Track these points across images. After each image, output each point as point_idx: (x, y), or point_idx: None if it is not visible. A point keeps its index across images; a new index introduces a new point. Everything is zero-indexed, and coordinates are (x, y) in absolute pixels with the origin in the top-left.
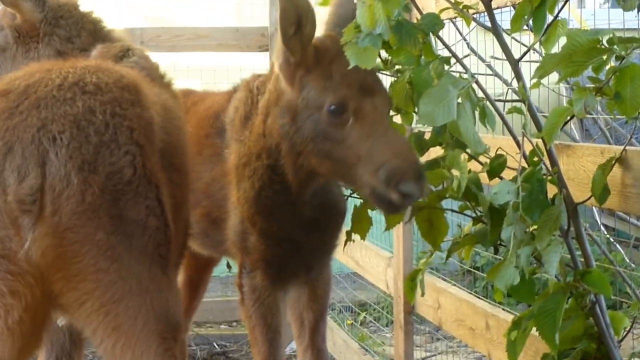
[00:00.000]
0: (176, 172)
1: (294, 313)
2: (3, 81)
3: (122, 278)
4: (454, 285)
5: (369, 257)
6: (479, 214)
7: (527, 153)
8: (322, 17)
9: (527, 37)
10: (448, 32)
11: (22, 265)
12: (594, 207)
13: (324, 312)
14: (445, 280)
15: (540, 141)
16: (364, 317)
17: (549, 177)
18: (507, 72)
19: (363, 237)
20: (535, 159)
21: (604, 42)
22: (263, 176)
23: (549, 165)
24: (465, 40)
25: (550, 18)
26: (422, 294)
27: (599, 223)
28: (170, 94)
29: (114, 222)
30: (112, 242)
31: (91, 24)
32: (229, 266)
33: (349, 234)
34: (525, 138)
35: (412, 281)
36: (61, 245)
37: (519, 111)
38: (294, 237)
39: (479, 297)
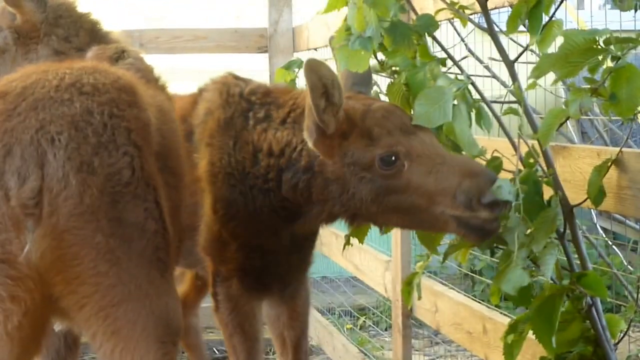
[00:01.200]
0: (172, 175)
1: (275, 331)
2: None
3: (121, 282)
4: (452, 288)
5: (367, 261)
6: None
7: (523, 155)
8: (326, 22)
9: (525, 38)
10: (446, 34)
11: (22, 269)
12: (592, 210)
13: (304, 329)
14: (443, 283)
15: (536, 142)
16: (364, 321)
17: (545, 179)
18: (505, 73)
19: (361, 241)
20: (531, 160)
21: (601, 42)
22: (264, 207)
23: (545, 167)
24: (463, 41)
25: (546, 19)
26: (419, 298)
27: (597, 226)
28: (164, 96)
29: (113, 225)
30: (111, 245)
31: (89, 23)
32: (198, 278)
33: (347, 238)
34: (521, 140)
35: (409, 285)
36: (60, 247)
37: (514, 112)
38: (275, 251)
39: (477, 301)
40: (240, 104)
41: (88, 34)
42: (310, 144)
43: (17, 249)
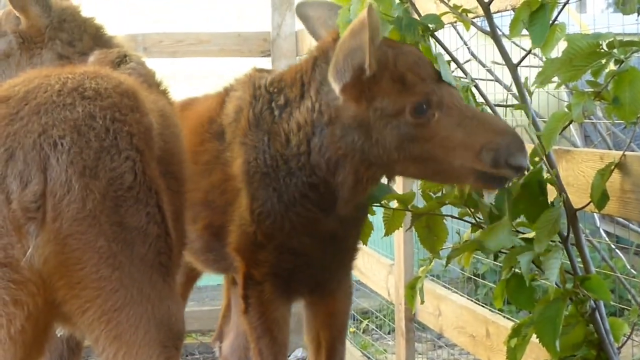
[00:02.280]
0: (174, 180)
1: (310, 333)
2: (2, 88)
3: (123, 286)
4: (455, 292)
5: (370, 265)
6: (478, 220)
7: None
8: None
9: (527, 42)
10: (449, 37)
11: (25, 273)
12: (594, 214)
13: (342, 331)
14: (446, 287)
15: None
16: (367, 324)
17: (549, 178)
18: (508, 76)
19: (365, 242)
20: (537, 159)
21: (604, 46)
22: (295, 193)
23: (548, 167)
24: (466, 44)
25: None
26: (422, 302)
27: (600, 229)
28: (166, 100)
29: (115, 230)
30: (113, 249)
31: (93, 28)
32: (234, 282)
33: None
34: (525, 142)
35: (411, 289)
36: (63, 252)
37: (523, 108)
38: (311, 251)
39: (480, 305)
40: (265, 96)
41: (92, 38)
42: (337, 89)
43: (20, 253)
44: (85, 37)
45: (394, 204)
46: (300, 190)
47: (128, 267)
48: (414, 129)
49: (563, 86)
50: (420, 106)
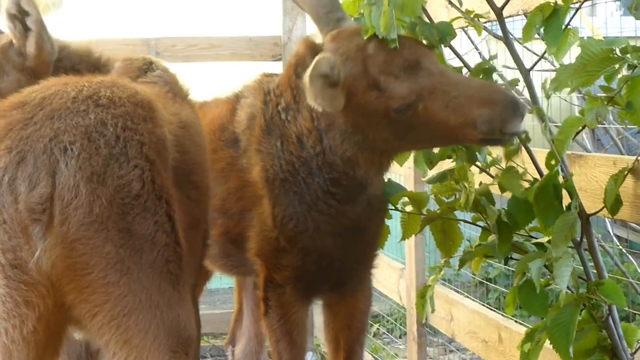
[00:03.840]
0: (195, 189)
1: (329, 335)
2: (20, 94)
3: (132, 291)
4: (468, 297)
5: (381, 269)
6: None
7: (540, 164)
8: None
9: (539, 46)
10: (460, 41)
11: (34, 275)
12: (606, 218)
13: (361, 333)
14: (457, 291)
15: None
16: (377, 328)
17: (564, 182)
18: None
19: (382, 247)
20: (552, 162)
21: (617, 51)
22: (317, 191)
23: (566, 172)
24: (477, 49)
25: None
26: (432, 310)
27: (612, 234)
28: (190, 109)
29: (123, 236)
30: (121, 255)
31: (83, 49)
32: (256, 286)
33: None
34: (535, 148)
35: (422, 298)
36: (70, 256)
37: (539, 111)
38: (334, 251)
39: (492, 309)
40: (273, 101)
41: (87, 59)
42: (320, 110)
43: (28, 255)
44: (83, 60)
45: (409, 207)
46: (322, 187)
47: (137, 273)
48: (404, 122)
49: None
50: (403, 109)
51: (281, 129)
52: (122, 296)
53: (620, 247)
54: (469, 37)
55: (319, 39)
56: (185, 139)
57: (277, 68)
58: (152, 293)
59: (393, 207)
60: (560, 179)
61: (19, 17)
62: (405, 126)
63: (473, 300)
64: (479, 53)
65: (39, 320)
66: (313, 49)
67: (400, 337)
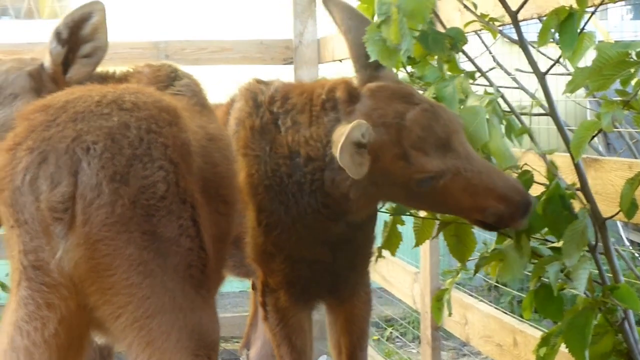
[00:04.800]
0: (223, 203)
1: (332, 339)
2: (45, 98)
3: (155, 294)
4: (482, 301)
5: (395, 273)
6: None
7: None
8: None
9: (552, 50)
10: (471, 45)
11: (55, 276)
12: (618, 222)
13: (361, 337)
14: (472, 295)
15: (560, 155)
16: (390, 332)
17: (569, 192)
18: (529, 85)
19: (393, 253)
20: (553, 174)
21: (633, 55)
22: (307, 208)
23: (568, 180)
24: (491, 53)
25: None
26: (450, 314)
27: (624, 238)
28: (217, 123)
29: (147, 238)
30: (144, 257)
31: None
32: (254, 287)
33: (379, 250)
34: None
35: (438, 301)
36: (93, 257)
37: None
38: (322, 258)
39: (507, 313)
40: (266, 113)
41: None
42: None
43: (49, 255)
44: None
45: (422, 213)
46: (312, 207)
47: (160, 275)
48: (421, 192)
49: (585, 93)
50: (424, 181)
51: (274, 136)
52: (145, 298)
53: (633, 251)
54: (482, 41)
55: (356, 81)
56: (214, 151)
57: (288, 71)
58: (175, 296)
59: (407, 214)
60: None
61: (70, 40)
62: (419, 196)
63: (488, 304)
64: (492, 57)
65: (60, 322)
66: (350, 93)
67: (412, 341)
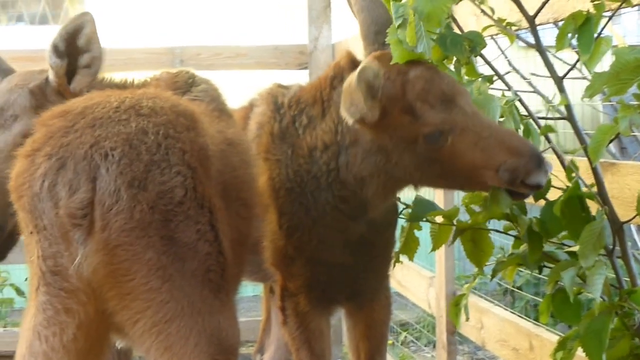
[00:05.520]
0: (244, 207)
1: (351, 344)
2: (64, 104)
3: (173, 298)
4: (498, 305)
5: (411, 277)
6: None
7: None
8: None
9: (569, 55)
10: (486, 49)
11: (74, 282)
12: (632, 226)
13: (381, 342)
14: (487, 299)
15: (578, 158)
16: (405, 336)
17: (587, 193)
18: (544, 89)
19: (411, 258)
20: (572, 175)
21: None
22: (325, 206)
23: (586, 181)
24: (506, 58)
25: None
26: (467, 319)
27: (638, 242)
28: (237, 127)
29: (165, 243)
30: (162, 262)
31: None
32: (272, 291)
33: (397, 255)
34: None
35: (456, 306)
36: (112, 262)
37: (550, 130)
38: (342, 261)
39: (524, 318)
40: (288, 115)
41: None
42: (350, 122)
43: (68, 261)
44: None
45: (439, 218)
46: (330, 203)
47: (179, 280)
48: (430, 153)
49: (599, 97)
50: (432, 136)
51: (294, 139)
52: (164, 303)
53: None
54: (498, 46)
55: (360, 56)
56: (233, 155)
57: (302, 77)
58: (194, 300)
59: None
60: (585, 189)
61: (68, 52)
62: (430, 158)
63: (504, 308)
64: (508, 61)
65: (79, 327)
66: (354, 64)
67: (426, 345)
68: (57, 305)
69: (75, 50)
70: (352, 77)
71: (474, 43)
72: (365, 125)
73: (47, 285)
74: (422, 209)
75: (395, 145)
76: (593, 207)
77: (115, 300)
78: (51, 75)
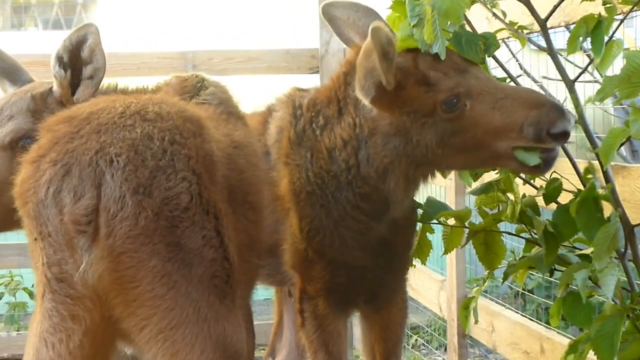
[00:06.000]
0: (251, 210)
1: (366, 347)
2: (69, 109)
3: (179, 305)
4: (509, 308)
5: (422, 281)
6: (535, 237)
7: (583, 173)
8: None
9: (580, 58)
10: (498, 53)
11: (79, 289)
12: None
13: (396, 344)
14: (499, 303)
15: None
16: (416, 339)
17: (603, 194)
18: (556, 92)
19: (424, 262)
20: (589, 176)
21: None
22: (346, 206)
23: (603, 183)
24: (518, 61)
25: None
26: (476, 322)
27: None
28: (245, 129)
29: (171, 250)
30: (167, 269)
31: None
32: (290, 294)
33: (410, 259)
34: (579, 160)
35: (465, 309)
36: (117, 269)
37: (579, 123)
38: (363, 263)
39: (535, 321)
40: (306, 116)
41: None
42: (366, 102)
43: (73, 268)
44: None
45: (451, 221)
46: (351, 202)
47: (184, 287)
48: (450, 123)
49: (610, 100)
50: (450, 101)
51: (312, 142)
52: (169, 309)
53: None
54: (509, 49)
55: None
56: (240, 158)
57: (313, 81)
58: (199, 306)
59: (435, 222)
60: (601, 191)
61: (71, 63)
62: (450, 130)
63: (515, 311)
64: (519, 65)
65: (85, 334)
66: None
67: (437, 349)
68: (63, 312)
69: (79, 62)
70: (364, 46)
71: (488, 43)
72: (382, 105)
73: (52, 292)
74: (434, 209)
75: (413, 122)
76: (606, 209)
77: (121, 307)
78: (55, 86)
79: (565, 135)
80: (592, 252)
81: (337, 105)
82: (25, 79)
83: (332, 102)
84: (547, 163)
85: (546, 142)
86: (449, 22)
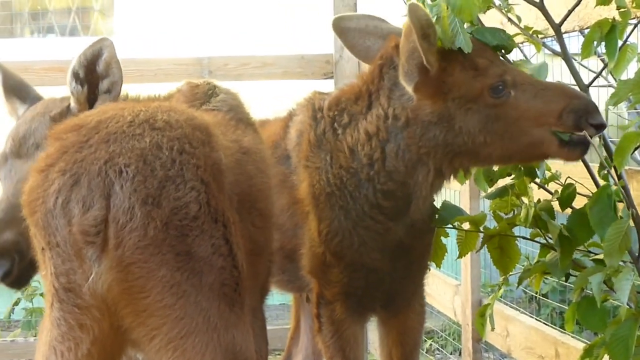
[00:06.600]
0: (260, 216)
1: (383, 351)
2: (77, 117)
3: (188, 314)
4: (524, 313)
5: (436, 285)
6: (550, 241)
7: (596, 173)
8: None
9: (594, 62)
10: (512, 58)
11: (87, 299)
12: None
13: (414, 349)
14: (513, 307)
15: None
16: (430, 344)
17: (616, 190)
18: None
19: (439, 265)
20: (604, 172)
21: None
22: (365, 205)
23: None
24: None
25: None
26: (492, 329)
27: None
28: (254, 136)
29: (180, 259)
30: (176, 278)
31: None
32: (307, 299)
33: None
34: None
35: (481, 317)
36: (126, 280)
37: None
38: (381, 267)
39: (549, 325)
40: (326, 119)
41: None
42: (410, 89)
43: (81, 278)
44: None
45: (466, 225)
46: (370, 201)
47: (193, 296)
48: (495, 109)
49: (624, 104)
50: (497, 87)
51: (333, 144)
52: (179, 319)
53: None
54: (524, 54)
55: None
56: (249, 164)
57: (328, 86)
58: (209, 315)
59: (450, 226)
60: (614, 187)
61: (87, 79)
62: (494, 115)
63: (529, 316)
64: None
65: (93, 343)
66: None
67: (452, 353)
68: (71, 321)
69: (95, 76)
70: (404, 27)
71: (506, 42)
72: (426, 91)
73: (60, 301)
74: (449, 213)
75: (458, 108)
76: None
77: (131, 317)
78: (73, 102)
79: (602, 127)
80: (604, 249)
81: (367, 100)
82: (33, 96)
83: (361, 97)
84: (586, 146)
85: (586, 128)
86: (465, 24)
